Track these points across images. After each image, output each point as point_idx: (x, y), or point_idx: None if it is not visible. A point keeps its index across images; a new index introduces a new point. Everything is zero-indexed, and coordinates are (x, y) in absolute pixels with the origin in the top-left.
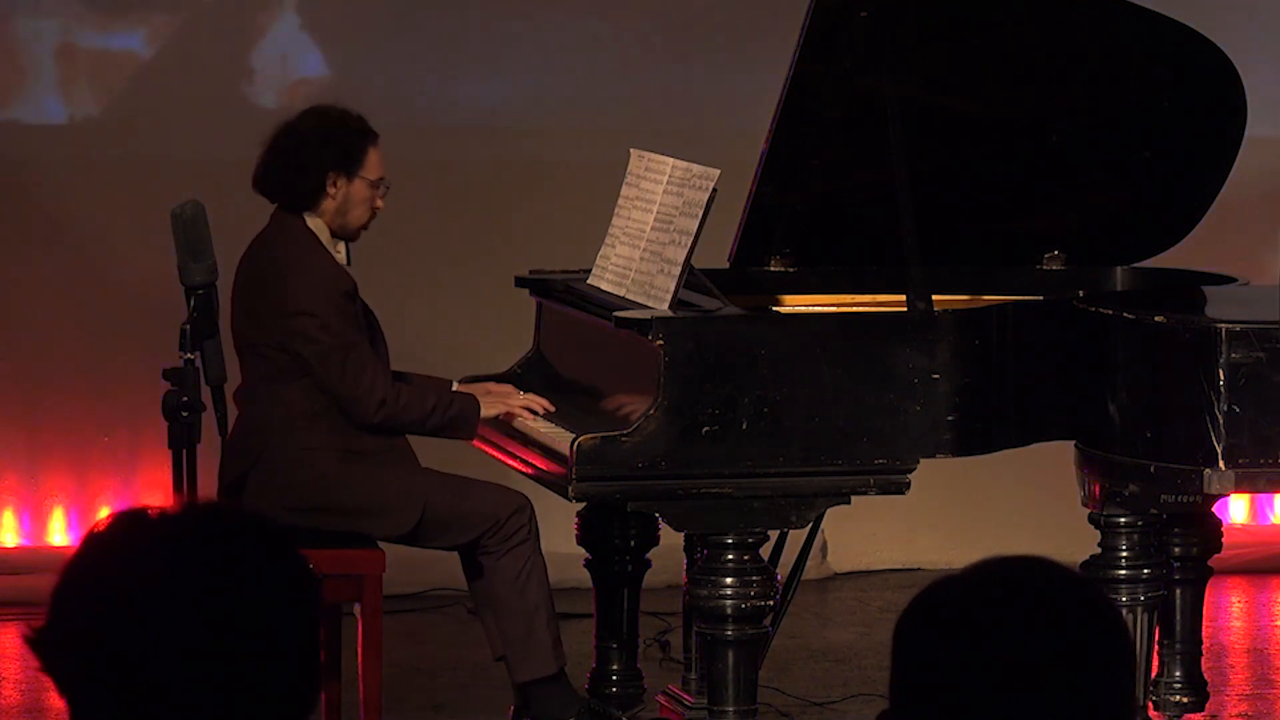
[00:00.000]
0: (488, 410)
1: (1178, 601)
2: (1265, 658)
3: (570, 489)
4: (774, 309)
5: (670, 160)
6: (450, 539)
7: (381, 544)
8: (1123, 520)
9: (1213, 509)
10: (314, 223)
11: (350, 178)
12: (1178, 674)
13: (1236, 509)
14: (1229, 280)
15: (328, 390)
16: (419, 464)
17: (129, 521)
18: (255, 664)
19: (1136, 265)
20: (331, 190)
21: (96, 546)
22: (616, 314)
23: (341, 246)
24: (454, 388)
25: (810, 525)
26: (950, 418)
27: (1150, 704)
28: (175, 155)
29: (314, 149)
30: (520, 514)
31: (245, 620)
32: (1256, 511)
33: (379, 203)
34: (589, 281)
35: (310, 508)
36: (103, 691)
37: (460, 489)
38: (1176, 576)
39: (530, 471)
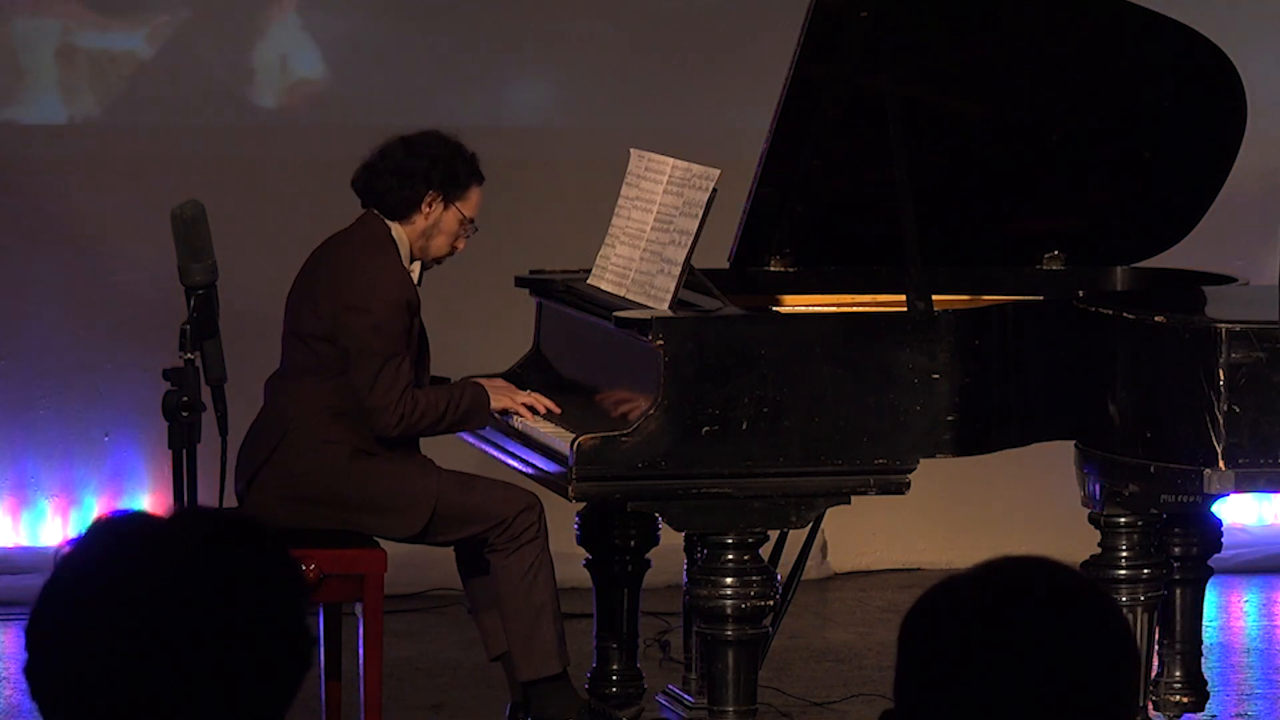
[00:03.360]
0: (496, 403)
1: (1178, 601)
2: (1267, 658)
3: (570, 489)
4: (774, 309)
5: (670, 160)
6: (458, 535)
7: (382, 544)
8: (1123, 520)
9: (1213, 509)
10: (398, 233)
11: (447, 204)
12: (1178, 674)
13: (1241, 509)
14: (1229, 280)
15: (355, 390)
16: (432, 464)
17: (112, 527)
18: (239, 667)
19: (1136, 265)
20: (426, 209)
21: (80, 552)
22: (616, 314)
23: (416, 266)
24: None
25: (810, 525)
26: (950, 418)
27: (1150, 704)
28: (175, 155)
29: (424, 163)
30: (529, 512)
31: (232, 623)
32: (1260, 511)
33: (460, 243)
34: (589, 281)
35: (319, 500)
36: (81, 698)
37: (470, 486)
38: (1176, 576)
39: (530, 471)
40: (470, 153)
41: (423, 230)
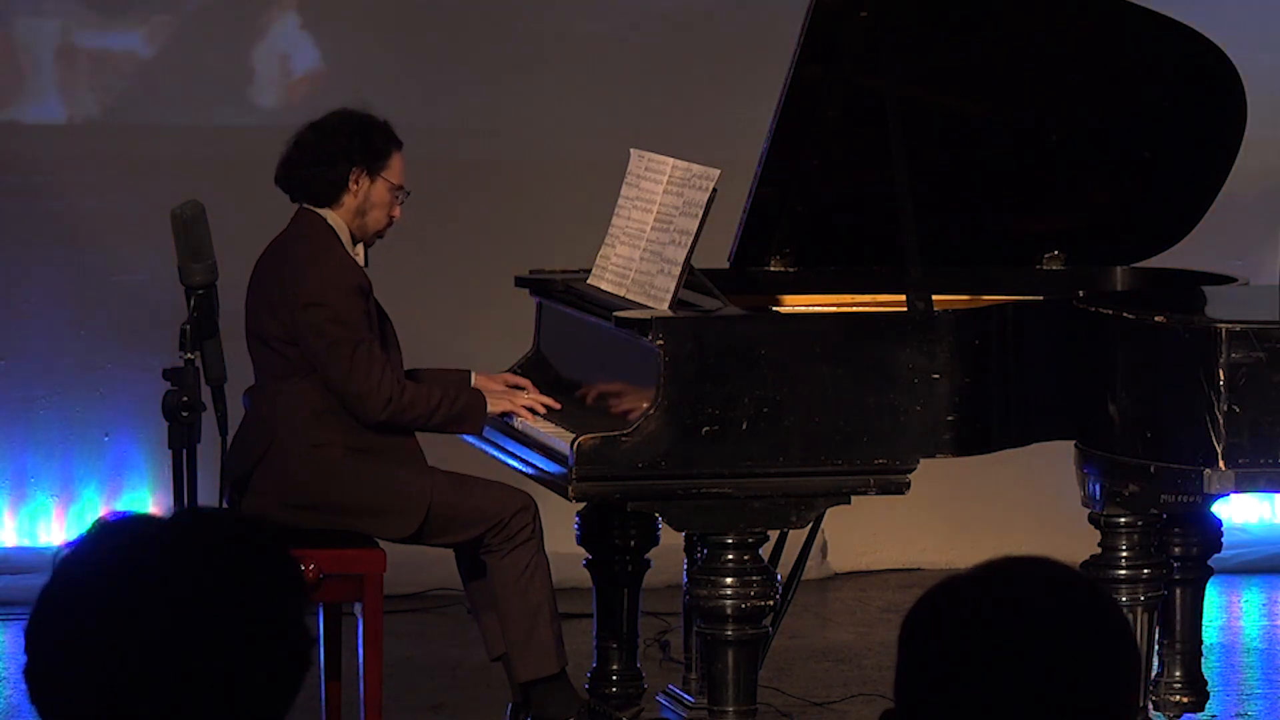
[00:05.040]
0: (494, 407)
1: (1178, 601)
2: (1267, 658)
3: (570, 489)
4: (774, 309)
5: (670, 160)
6: (454, 537)
7: (382, 544)
8: (1123, 520)
9: (1213, 509)
10: (334, 220)
11: (373, 177)
12: (1178, 674)
13: (1241, 509)
14: (1229, 280)
15: (333, 385)
16: (426, 463)
17: (112, 528)
18: (239, 667)
19: (1136, 265)
20: (353, 187)
21: (80, 553)
22: (616, 314)
23: (360, 248)
24: (473, 380)
25: (810, 525)
26: (950, 418)
27: (1150, 704)
28: (175, 155)
29: (340, 142)
30: (524, 513)
31: (232, 623)
32: (1260, 511)
33: (396, 211)
34: (589, 281)
35: (314, 505)
36: (80, 699)
37: (465, 487)
38: (1176, 576)
39: (530, 471)
40: (382, 120)
41: (355, 209)
